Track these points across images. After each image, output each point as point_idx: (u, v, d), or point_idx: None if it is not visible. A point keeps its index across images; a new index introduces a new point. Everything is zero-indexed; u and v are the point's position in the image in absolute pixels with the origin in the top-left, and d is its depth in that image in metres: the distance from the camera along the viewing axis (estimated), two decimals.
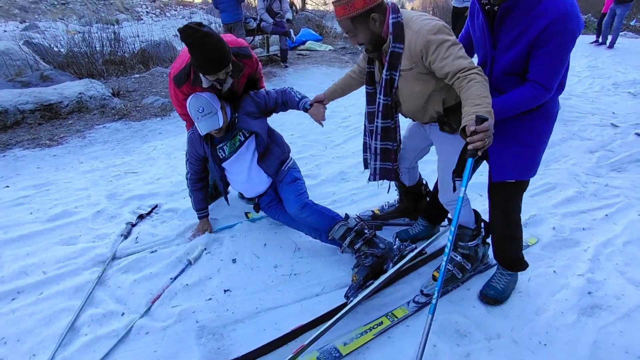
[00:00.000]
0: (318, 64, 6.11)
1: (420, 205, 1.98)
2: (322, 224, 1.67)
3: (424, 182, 1.95)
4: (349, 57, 6.84)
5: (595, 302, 1.59)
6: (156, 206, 2.22)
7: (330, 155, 3.01)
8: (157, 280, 1.67)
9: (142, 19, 14.54)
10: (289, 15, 5.86)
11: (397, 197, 2.03)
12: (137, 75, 5.25)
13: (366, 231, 1.64)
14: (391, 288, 1.62)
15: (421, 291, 1.57)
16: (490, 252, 1.65)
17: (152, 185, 2.54)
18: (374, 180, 1.64)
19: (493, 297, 1.53)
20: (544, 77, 1.17)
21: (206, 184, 1.97)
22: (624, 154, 2.91)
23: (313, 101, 1.80)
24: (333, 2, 1.33)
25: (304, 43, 7.38)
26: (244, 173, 1.82)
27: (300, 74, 5.72)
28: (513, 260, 1.53)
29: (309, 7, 12.16)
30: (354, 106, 4.17)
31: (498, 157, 1.35)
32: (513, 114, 1.25)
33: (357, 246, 1.60)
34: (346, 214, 1.72)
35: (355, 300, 1.40)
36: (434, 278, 1.59)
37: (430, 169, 2.31)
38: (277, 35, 5.87)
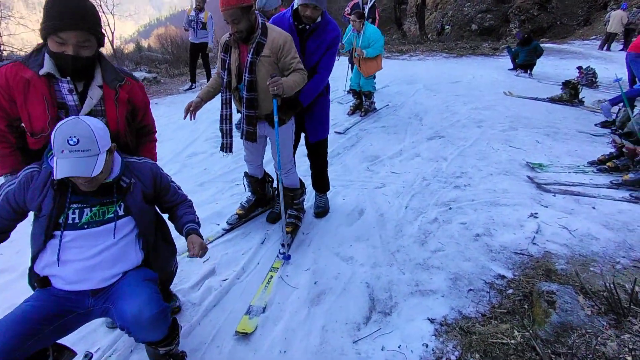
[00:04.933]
0: None
1: (267, 193, 3.02)
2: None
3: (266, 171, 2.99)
4: None
5: (321, 289, 2.05)
6: None
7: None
8: None
9: None
10: None
11: (249, 194, 2.99)
12: None
13: None
14: (262, 250, 2.65)
15: (282, 244, 2.58)
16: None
17: None
18: (244, 138, 2.41)
19: (322, 211, 3.02)
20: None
21: None
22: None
23: (190, 107, 2.30)
24: None
25: None
26: (92, 259, 1.43)
27: None
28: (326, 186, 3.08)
29: None
30: None
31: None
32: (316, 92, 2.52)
33: None
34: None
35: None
36: (287, 232, 2.65)
37: None
38: None
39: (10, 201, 1.40)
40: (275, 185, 3.02)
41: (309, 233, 2.79)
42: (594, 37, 14.43)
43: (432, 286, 2.22)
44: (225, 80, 2.30)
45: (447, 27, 17.74)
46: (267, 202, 3.05)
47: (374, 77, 5.77)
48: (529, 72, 8.67)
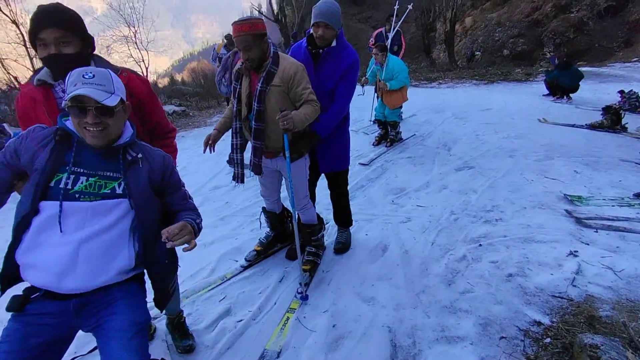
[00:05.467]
0: None
1: (286, 228, 3.02)
2: None
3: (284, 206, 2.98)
4: None
5: (339, 333, 1.99)
6: None
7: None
8: None
9: None
10: None
11: (268, 229, 3.01)
12: None
13: None
14: (280, 289, 2.61)
15: (300, 283, 2.50)
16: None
17: None
18: (251, 169, 2.41)
19: (343, 247, 2.97)
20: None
21: None
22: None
23: (209, 140, 2.39)
24: (236, 21, 2.07)
25: None
26: (79, 244, 1.25)
27: None
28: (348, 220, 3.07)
29: None
30: None
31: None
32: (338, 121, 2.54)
33: None
34: None
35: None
36: (305, 270, 2.62)
37: None
38: None
39: (6, 154, 1.33)
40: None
41: (329, 271, 2.74)
42: (635, 59, 13.92)
43: (459, 332, 2.10)
44: (235, 109, 2.33)
45: (477, 53, 17.72)
46: (286, 237, 3.04)
47: (401, 107, 5.79)
48: (566, 98, 8.43)
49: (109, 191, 1.32)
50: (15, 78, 12.39)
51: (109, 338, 1.26)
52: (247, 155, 2.40)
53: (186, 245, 1.27)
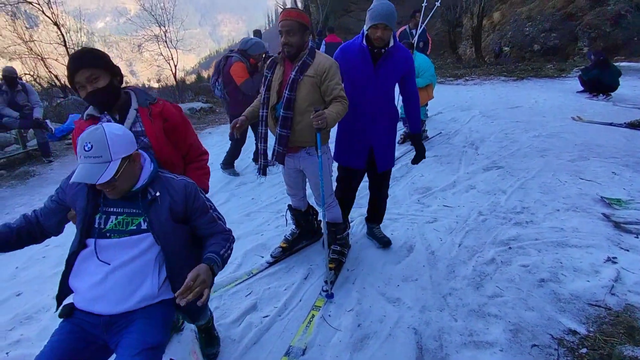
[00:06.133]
0: None
1: (311, 225, 3.02)
2: None
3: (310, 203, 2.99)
4: None
5: (364, 333, 1.97)
6: None
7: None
8: None
9: None
10: (38, 112, 5.81)
11: (294, 226, 3.00)
12: None
13: None
14: (305, 286, 2.62)
15: (325, 281, 2.51)
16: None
17: None
18: (274, 159, 2.39)
19: (389, 240, 2.99)
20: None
21: (27, 231, 1.57)
22: None
23: (236, 124, 2.35)
24: (286, 7, 2.53)
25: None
26: (109, 274, 1.44)
27: (70, 168, 5.45)
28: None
29: None
30: None
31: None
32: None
33: None
34: None
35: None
36: (330, 268, 2.62)
37: None
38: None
39: (58, 192, 1.55)
40: (319, 218, 3.01)
41: (354, 270, 2.71)
42: None
43: (488, 337, 2.03)
44: (264, 96, 2.37)
45: (505, 48, 17.13)
46: (311, 235, 3.04)
47: (426, 105, 5.66)
48: (603, 95, 8.00)
49: (135, 227, 1.46)
50: (56, 76, 12.94)
51: (118, 355, 1.36)
52: (271, 147, 2.43)
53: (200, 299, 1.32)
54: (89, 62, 1.52)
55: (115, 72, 1.61)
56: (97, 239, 1.44)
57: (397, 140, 5.64)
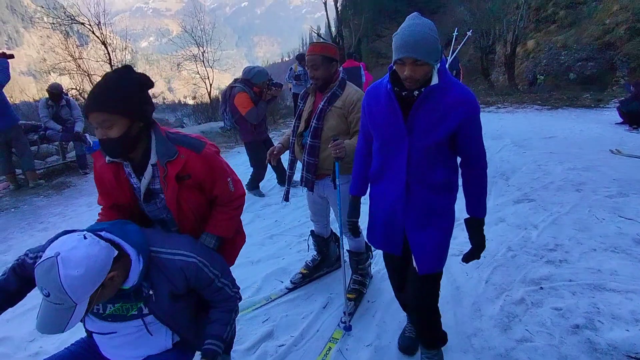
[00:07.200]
0: None
1: (332, 253, 2.98)
2: None
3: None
4: None
5: None
6: None
7: None
8: None
9: None
10: (79, 127, 6.19)
11: (315, 253, 2.95)
12: None
13: None
14: (323, 315, 2.54)
15: (344, 312, 2.41)
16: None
17: None
18: (301, 184, 2.50)
19: None
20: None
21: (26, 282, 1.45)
22: None
23: (274, 151, 2.54)
24: (312, 42, 2.51)
25: None
26: (118, 338, 1.43)
27: None
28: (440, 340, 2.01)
29: None
30: None
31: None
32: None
33: None
34: None
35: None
36: (349, 299, 2.55)
37: None
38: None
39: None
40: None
41: (375, 302, 2.62)
42: None
43: None
44: (294, 125, 2.49)
45: (540, 76, 16.77)
46: (332, 262, 2.99)
47: None
48: None
49: (136, 312, 1.38)
50: None
51: None
52: (297, 175, 2.53)
53: None
54: (104, 105, 1.30)
55: (136, 116, 1.37)
56: (99, 321, 1.39)
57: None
